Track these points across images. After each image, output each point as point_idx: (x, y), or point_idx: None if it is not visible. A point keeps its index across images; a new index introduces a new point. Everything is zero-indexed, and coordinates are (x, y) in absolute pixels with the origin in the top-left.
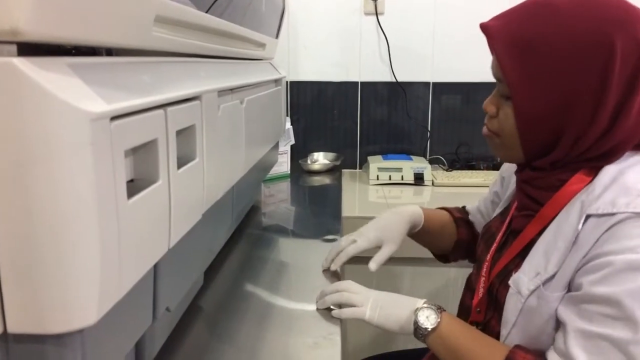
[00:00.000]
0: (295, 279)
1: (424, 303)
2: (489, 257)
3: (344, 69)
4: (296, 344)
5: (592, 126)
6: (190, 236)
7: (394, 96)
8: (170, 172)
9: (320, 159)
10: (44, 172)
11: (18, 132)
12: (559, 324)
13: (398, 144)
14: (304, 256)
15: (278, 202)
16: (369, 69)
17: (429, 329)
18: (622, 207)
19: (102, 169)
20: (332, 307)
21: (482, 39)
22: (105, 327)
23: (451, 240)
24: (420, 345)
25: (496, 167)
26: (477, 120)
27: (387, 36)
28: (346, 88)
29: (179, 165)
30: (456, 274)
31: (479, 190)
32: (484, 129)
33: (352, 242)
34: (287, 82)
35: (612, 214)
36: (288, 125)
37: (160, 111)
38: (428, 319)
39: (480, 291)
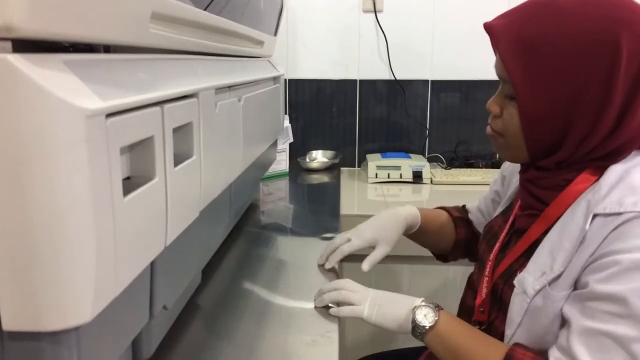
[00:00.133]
0: (294, 277)
1: (422, 301)
2: (492, 256)
3: (342, 67)
4: (294, 342)
5: (597, 126)
6: (187, 234)
7: (392, 94)
8: (167, 169)
9: (318, 157)
10: (39, 169)
11: (13, 129)
12: (564, 323)
13: (397, 142)
14: (302, 254)
15: (276, 200)
16: (367, 66)
17: (427, 327)
18: (629, 206)
19: (98, 166)
20: (330, 305)
21: (481, 37)
22: (101, 324)
23: (450, 240)
24: (419, 344)
25: (495, 165)
26: (476, 118)
27: (385, 34)
28: (345, 86)
29: (176, 163)
30: (455, 273)
31: (478, 189)
32: (488, 129)
33: (347, 241)
34: (285, 80)
35: (619, 214)
36: (286, 123)
37: (157, 108)
38: (426, 317)
39: (484, 291)
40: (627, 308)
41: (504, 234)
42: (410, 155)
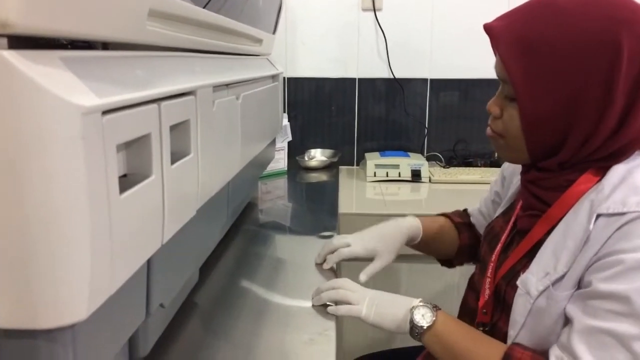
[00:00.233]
0: (292, 276)
1: (420, 302)
2: (494, 257)
3: (341, 65)
4: (292, 340)
5: (599, 126)
6: (184, 232)
7: (391, 93)
8: (164, 167)
9: (317, 156)
10: (35, 166)
11: (8, 126)
12: (567, 323)
13: (396, 141)
14: (300, 253)
15: (275, 198)
16: (366, 65)
17: (425, 327)
18: (633, 206)
19: (94, 164)
20: (328, 303)
21: (480, 36)
22: (97, 322)
23: (454, 246)
24: (417, 344)
25: (493, 164)
26: (475, 117)
27: (385, 32)
28: (344, 84)
29: (173, 161)
30: (453, 272)
31: (476, 187)
32: (488, 130)
33: (347, 245)
34: (284, 78)
35: (623, 214)
36: (285, 121)
37: (154, 106)
38: (424, 317)
39: (486, 292)
40: (630, 306)
41: (505, 234)
42: (409, 154)
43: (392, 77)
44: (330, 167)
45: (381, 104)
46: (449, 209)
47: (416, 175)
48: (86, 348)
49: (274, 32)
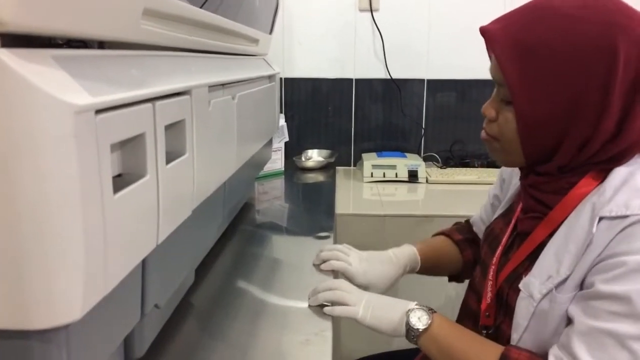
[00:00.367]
0: (288, 276)
1: (416, 304)
2: (495, 260)
3: (338, 66)
4: (288, 341)
5: (597, 130)
6: (179, 232)
7: (388, 93)
8: (159, 167)
9: (314, 156)
10: (27, 164)
11: (0, 124)
12: (569, 324)
13: (392, 141)
14: (297, 253)
15: (272, 199)
16: (363, 65)
17: (421, 330)
18: (636, 209)
19: (87, 163)
20: (325, 304)
21: (477, 36)
22: (91, 323)
23: (457, 263)
24: (415, 347)
25: (490, 165)
26: (472, 118)
27: (382, 33)
28: (341, 85)
29: (168, 161)
30: None
31: (473, 188)
32: (483, 133)
33: (348, 262)
34: (281, 78)
35: (626, 216)
36: (282, 122)
37: (148, 105)
38: (420, 320)
39: (489, 295)
40: (631, 307)
41: (506, 237)
42: (406, 154)
43: (389, 77)
44: (327, 168)
45: (378, 105)
46: (446, 209)
47: (413, 176)
48: (80, 349)
49: (270, 32)
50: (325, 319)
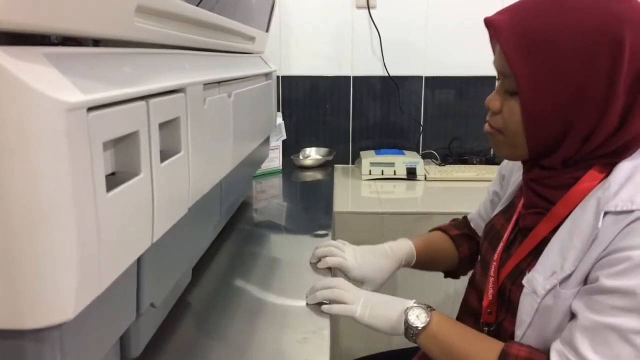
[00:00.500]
0: (286, 275)
1: (414, 302)
2: (496, 256)
3: (336, 64)
4: (286, 339)
5: (602, 123)
6: (175, 231)
7: (386, 91)
8: (153, 165)
9: (312, 154)
10: (19, 163)
11: None
12: (573, 319)
13: (391, 139)
14: (295, 252)
15: (270, 197)
16: (361, 63)
17: (419, 328)
18: None
19: (79, 161)
20: (323, 302)
21: (475, 33)
22: (85, 322)
23: (453, 259)
24: (414, 345)
25: (489, 162)
26: (470, 115)
27: (379, 30)
28: (338, 82)
29: (163, 159)
30: None
31: (472, 185)
32: (486, 126)
33: (343, 258)
34: (278, 76)
35: (631, 211)
36: (279, 120)
37: (142, 103)
38: (418, 318)
39: (490, 292)
40: (635, 302)
41: (507, 232)
42: (404, 151)
43: (387, 74)
44: (325, 166)
45: (376, 102)
46: (445, 207)
47: (411, 173)
48: (74, 348)
49: (267, 30)
50: (323, 317)
